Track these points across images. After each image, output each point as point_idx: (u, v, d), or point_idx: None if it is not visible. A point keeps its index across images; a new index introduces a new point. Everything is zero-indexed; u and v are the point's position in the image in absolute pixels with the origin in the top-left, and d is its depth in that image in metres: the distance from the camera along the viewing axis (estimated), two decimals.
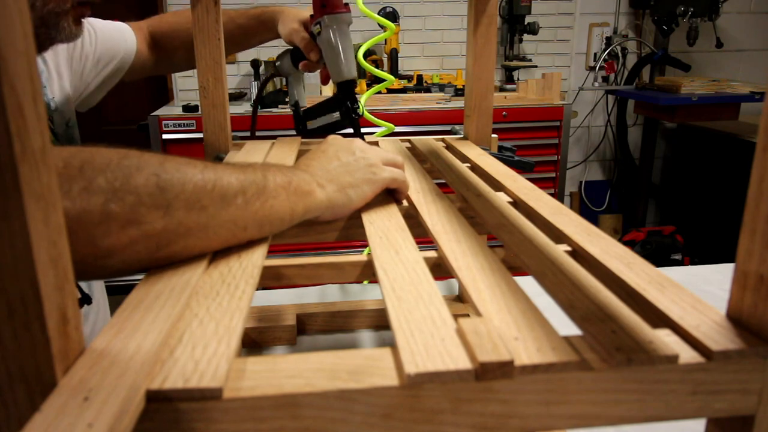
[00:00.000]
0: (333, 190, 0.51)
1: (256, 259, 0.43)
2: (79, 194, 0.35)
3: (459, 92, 2.53)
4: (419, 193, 0.59)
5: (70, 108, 0.89)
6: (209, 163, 0.43)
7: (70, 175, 0.35)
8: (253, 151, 0.80)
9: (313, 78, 2.57)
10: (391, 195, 0.59)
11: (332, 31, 0.86)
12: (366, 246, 0.51)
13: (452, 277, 0.42)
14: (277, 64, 0.98)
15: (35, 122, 0.25)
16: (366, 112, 0.93)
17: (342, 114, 0.90)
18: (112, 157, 0.38)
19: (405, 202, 0.58)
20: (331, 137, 0.58)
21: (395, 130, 1.00)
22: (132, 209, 0.37)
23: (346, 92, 0.89)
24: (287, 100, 1.05)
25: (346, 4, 0.87)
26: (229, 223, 0.42)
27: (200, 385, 0.27)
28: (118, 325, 0.33)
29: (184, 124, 2.18)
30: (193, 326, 0.33)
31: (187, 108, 2.27)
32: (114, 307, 0.35)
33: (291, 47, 0.95)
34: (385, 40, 2.66)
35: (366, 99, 0.94)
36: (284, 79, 3.17)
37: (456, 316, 0.33)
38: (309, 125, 0.95)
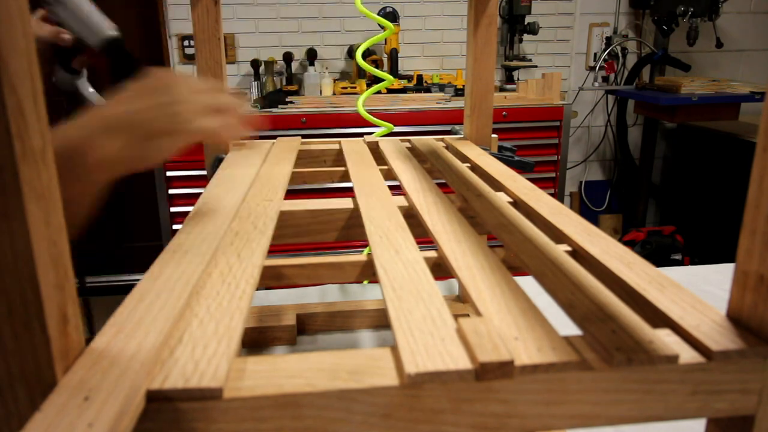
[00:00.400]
0: (121, 144, 0.42)
1: (256, 259, 0.43)
2: None
3: (459, 92, 2.53)
4: (419, 193, 0.59)
5: None
6: None
7: None
8: (252, 154, 0.80)
9: (313, 78, 2.57)
10: (393, 190, 0.58)
11: None
12: (366, 246, 0.51)
13: (452, 277, 0.42)
14: (54, 80, 0.80)
15: (35, 122, 0.25)
16: (364, 112, 0.93)
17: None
18: None
19: (405, 202, 0.58)
20: (153, 70, 0.49)
21: (395, 130, 1.00)
22: None
23: (117, 55, 0.71)
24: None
25: None
26: None
27: (200, 384, 0.27)
28: (118, 325, 0.33)
29: None
30: (194, 326, 0.33)
31: None
32: (113, 306, 0.35)
33: (56, 58, 0.79)
34: (385, 40, 2.66)
35: (365, 99, 0.94)
36: (283, 79, 3.09)
37: (456, 316, 0.33)
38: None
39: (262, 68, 2.56)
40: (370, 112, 0.93)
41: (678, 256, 2.69)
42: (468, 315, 0.82)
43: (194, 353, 0.30)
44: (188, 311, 0.35)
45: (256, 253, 0.44)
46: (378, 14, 2.66)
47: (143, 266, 0.40)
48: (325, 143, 0.88)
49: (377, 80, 1.69)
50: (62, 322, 0.27)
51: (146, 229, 2.76)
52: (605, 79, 2.93)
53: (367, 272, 0.54)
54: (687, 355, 0.31)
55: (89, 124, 0.43)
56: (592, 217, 3.11)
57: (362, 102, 0.92)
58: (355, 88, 2.53)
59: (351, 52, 2.73)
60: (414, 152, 0.81)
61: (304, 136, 0.93)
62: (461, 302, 0.88)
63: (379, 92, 2.31)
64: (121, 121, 0.43)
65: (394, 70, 2.64)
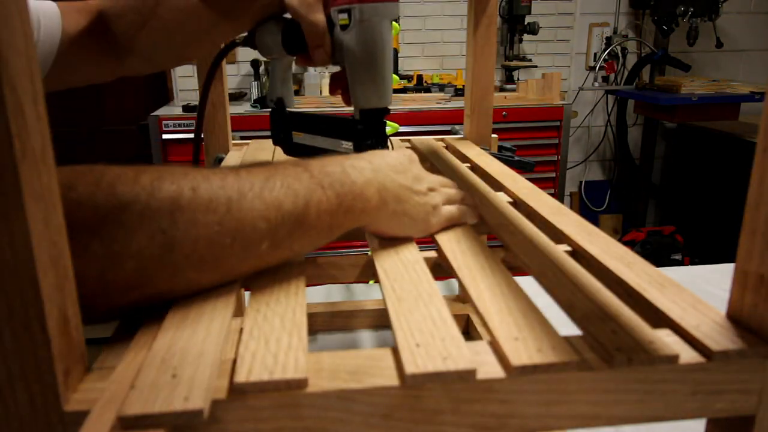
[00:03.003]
0: (391, 211, 0.44)
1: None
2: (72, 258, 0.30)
3: (459, 92, 2.53)
4: None
5: None
6: (236, 199, 0.35)
7: None
8: (259, 152, 0.80)
9: (313, 78, 2.57)
10: None
11: (369, 31, 0.54)
12: (366, 246, 0.51)
13: (452, 277, 0.42)
14: (258, 34, 0.60)
15: (35, 122, 0.25)
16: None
17: (359, 150, 0.58)
18: (109, 210, 0.32)
19: None
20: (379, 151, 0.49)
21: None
22: (134, 274, 0.32)
23: (371, 124, 0.59)
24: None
25: None
26: (248, 268, 0.38)
27: (285, 376, 0.28)
28: (178, 317, 0.34)
29: (184, 124, 2.18)
30: (259, 321, 0.34)
31: (187, 108, 2.26)
32: None
33: (288, 19, 0.58)
34: None
35: None
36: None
37: (456, 316, 0.33)
38: (295, 137, 0.64)
39: (262, 68, 2.56)
40: None
41: (678, 256, 2.69)
42: (468, 315, 0.82)
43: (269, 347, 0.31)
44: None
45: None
46: None
47: None
48: None
49: None
50: (62, 322, 0.27)
51: None
52: (605, 79, 2.93)
53: (368, 272, 0.54)
54: (687, 355, 0.31)
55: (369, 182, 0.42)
56: (592, 217, 3.11)
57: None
58: None
59: None
60: (414, 152, 0.81)
61: None
62: (461, 302, 0.88)
63: None
64: (391, 192, 0.43)
65: (394, 70, 2.64)
